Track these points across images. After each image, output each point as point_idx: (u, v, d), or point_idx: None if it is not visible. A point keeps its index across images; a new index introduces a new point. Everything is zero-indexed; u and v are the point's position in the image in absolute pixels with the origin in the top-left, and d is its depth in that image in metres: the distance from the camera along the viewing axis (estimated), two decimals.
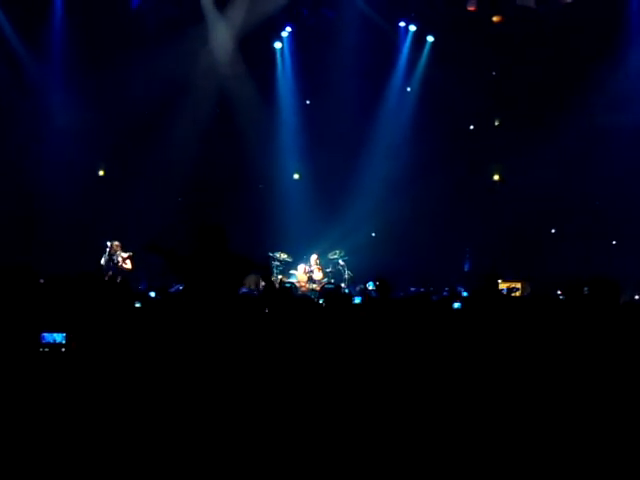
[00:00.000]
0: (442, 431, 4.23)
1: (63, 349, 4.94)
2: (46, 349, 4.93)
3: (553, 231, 17.65)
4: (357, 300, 7.63)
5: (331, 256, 16.30)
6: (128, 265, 13.42)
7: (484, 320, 5.47)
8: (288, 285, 14.14)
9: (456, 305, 6.51)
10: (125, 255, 13.37)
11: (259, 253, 15.99)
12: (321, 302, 8.04)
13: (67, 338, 4.97)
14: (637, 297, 13.54)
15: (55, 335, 5.02)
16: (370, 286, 11.58)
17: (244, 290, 12.61)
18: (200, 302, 5.46)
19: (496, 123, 18.37)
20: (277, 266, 16.04)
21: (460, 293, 7.90)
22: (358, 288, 13.77)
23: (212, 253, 5.52)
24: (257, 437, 4.06)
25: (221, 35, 16.35)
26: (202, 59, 16.26)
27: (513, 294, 12.57)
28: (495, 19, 16.31)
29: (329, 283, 14.35)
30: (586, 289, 5.91)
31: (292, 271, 15.84)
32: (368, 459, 3.96)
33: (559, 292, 12.52)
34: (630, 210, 15.60)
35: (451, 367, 4.84)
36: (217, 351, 5.12)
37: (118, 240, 13.42)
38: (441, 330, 5.29)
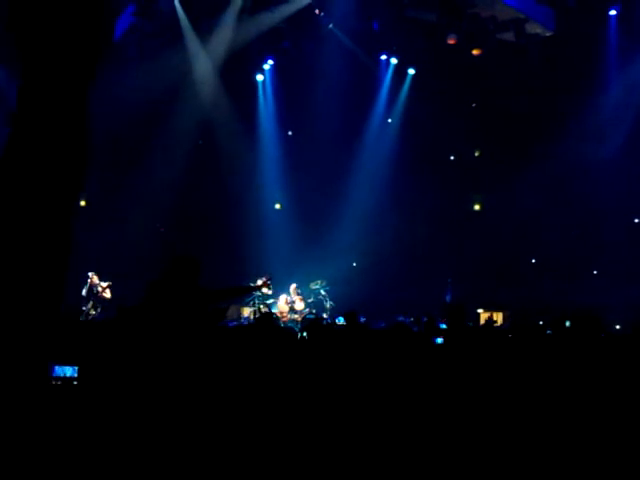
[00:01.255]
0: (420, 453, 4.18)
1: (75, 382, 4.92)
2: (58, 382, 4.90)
3: (534, 261, 17.74)
4: None
5: (313, 286, 16.22)
6: (107, 294, 13.54)
7: (460, 353, 5.44)
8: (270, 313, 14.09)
9: (438, 340, 6.47)
10: (104, 285, 13.47)
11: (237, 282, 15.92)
12: (304, 335, 7.98)
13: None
14: (618, 327, 13.59)
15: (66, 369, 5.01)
16: (339, 321, 11.50)
17: (232, 323, 12.56)
18: (163, 330, 5.38)
19: (476, 154, 18.56)
20: (258, 296, 15.93)
21: (438, 326, 7.85)
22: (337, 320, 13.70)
23: (181, 285, 5.45)
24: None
25: (203, 66, 16.42)
26: (184, 90, 16.29)
27: (494, 324, 12.59)
28: (475, 52, 16.51)
29: (310, 313, 14.28)
30: (568, 323, 5.93)
31: (273, 300, 15.74)
32: None
33: (541, 322, 12.56)
34: (610, 240, 15.71)
35: (426, 397, 4.80)
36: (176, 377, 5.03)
37: (96, 270, 13.55)
38: (420, 362, 5.25)
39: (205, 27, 15.82)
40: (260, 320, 6.40)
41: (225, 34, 15.80)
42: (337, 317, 11.80)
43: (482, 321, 14.20)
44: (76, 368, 5.09)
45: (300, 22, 16.14)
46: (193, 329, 5.49)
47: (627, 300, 14.13)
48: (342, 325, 10.20)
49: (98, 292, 13.45)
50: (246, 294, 10.73)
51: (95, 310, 13.21)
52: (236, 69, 16.75)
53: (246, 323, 14.82)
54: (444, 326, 7.85)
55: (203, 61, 16.37)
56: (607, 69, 16.01)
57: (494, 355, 5.45)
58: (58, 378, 4.99)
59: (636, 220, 16.71)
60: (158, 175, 16.37)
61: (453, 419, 4.57)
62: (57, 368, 5.02)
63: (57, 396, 4.82)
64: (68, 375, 5.05)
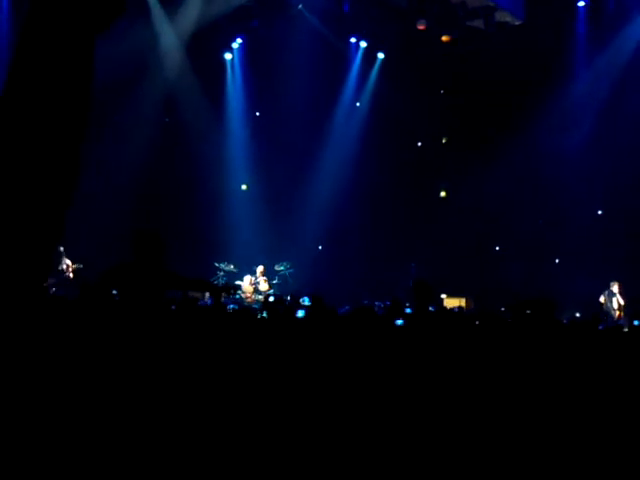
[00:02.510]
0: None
1: None
2: None
3: (497, 248, 17.91)
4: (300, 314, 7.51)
5: (277, 268, 16.22)
6: (70, 275, 13.20)
7: (426, 336, 5.46)
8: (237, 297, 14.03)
9: (399, 322, 6.48)
10: (73, 266, 13.08)
11: (204, 264, 15.84)
12: (264, 315, 7.95)
13: None
14: (578, 315, 13.84)
15: None
16: (305, 302, 11.47)
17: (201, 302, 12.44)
18: (129, 309, 5.29)
19: (443, 141, 18.63)
20: (223, 276, 15.88)
21: (404, 310, 7.87)
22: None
23: (147, 261, 5.35)
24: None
25: (169, 43, 16.11)
26: (150, 67, 15.98)
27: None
28: (444, 39, 16.52)
29: (273, 295, 14.27)
30: (528, 311, 6.01)
31: (238, 282, 15.68)
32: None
33: (502, 309, 12.71)
34: (573, 229, 15.91)
35: (394, 381, 4.80)
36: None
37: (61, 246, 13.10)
38: (384, 344, 5.25)
39: (172, 1, 15.51)
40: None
41: (193, 10, 15.51)
42: (302, 297, 11.76)
43: (447, 306, 14.29)
44: None
45: (269, 1, 15.98)
46: (156, 308, 5.42)
47: (586, 289, 14.39)
48: (306, 306, 10.17)
49: (64, 270, 13.07)
50: (207, 290, 10.53)
51: (56, 287, 12.84)
52: (204, 47, 16.50)
53: (210, 303, 14.75)
54: (409, 311, 7.87)
55: (169, 37, 16.05)
56: (575, 60, 16.19)
57: (455, 338, 5.48)
58: None
59: (599, 212, 16.93)
60: (122, 153, 16.06)
61: (416, 401, 4.58)
62: None
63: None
64: None
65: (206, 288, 7.12)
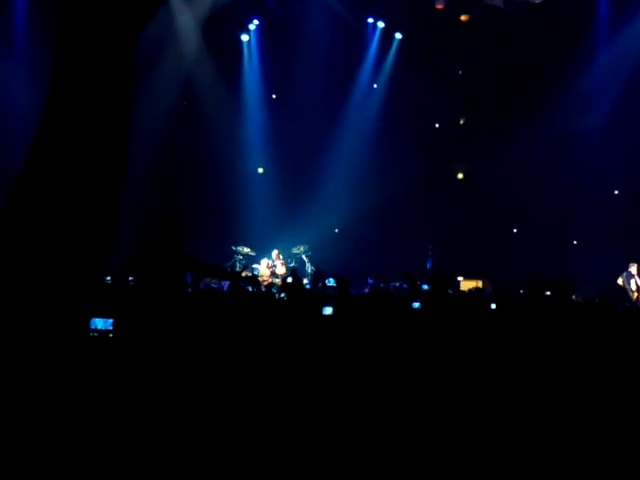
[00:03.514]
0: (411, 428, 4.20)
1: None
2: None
3: (515, 230, 17.81)
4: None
5: (295, 251, 16.26)
6: None
7: (443, 317, 5.47)
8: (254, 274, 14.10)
9: (416, 305, 6.48)
10: None
11: (221, 247, 15.91)
12: (282, 296, 7.98)
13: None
14: (597, 300, 13.76)
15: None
16: (330, 282, 11.54)
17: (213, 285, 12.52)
18: (151, 297, 5.31)
19: (461, 122, 18.48)
20: (240, 260, 15.94)
21: (420, 287, 7.87)
22: (320, 284, 13.74)
23: (168, 249, 5.37)
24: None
25: (187, 25, 16.09)
26: (166, 48, 15.97)
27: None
28: (463, 18, 16.35)
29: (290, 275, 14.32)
30: (548, 292, 6.00)
31: (255, 265, 15.74)
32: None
33: (520, 291, 12.66)
34: (591, 210, 15.77)
35: (413, 363, 4.82)
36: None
37: None
38: (402, 326, 5.27)
39: None
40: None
41: None
42: (328, 278, 11.81)
43: (464, 289, 14.22)
44: (111, 321, 5.23)
45: None
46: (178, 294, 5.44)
47: (604, 271, 14.28)
48: (333, 287, 10.22)
49: None
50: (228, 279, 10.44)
51: None
52: (220, 28, 16.46)
53: (227, 287, 14.83)
54: (426, 287, 7.87)
55: (186, 19, 16.03)
56: (596, 37, 15.92)
57: (474, 319, 5.48)
58: (95, 330, 5.20)
59: (616, 192, 16.78)
60: (139, 136, 16.09)
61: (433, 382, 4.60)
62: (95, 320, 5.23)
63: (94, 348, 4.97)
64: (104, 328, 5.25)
65: (232, 277, 7.05)
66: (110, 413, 3.93)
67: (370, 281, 13.67)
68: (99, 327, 5.35)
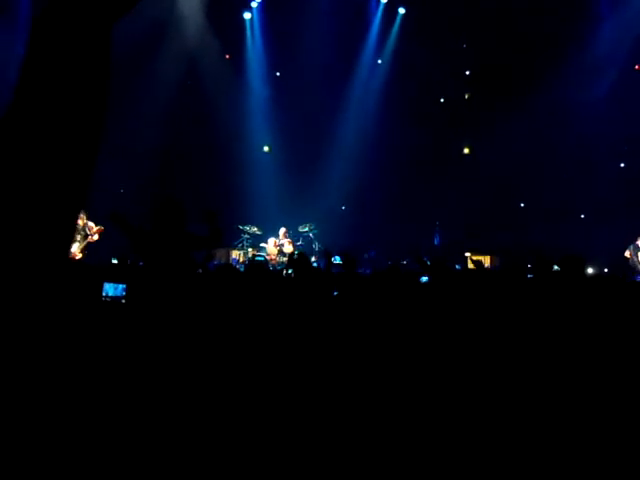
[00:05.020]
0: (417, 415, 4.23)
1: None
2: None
3: (522, 205, 17.77)
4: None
5: (301, 229, 16.27)
6: (95, 237, 13.15)
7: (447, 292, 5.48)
8: (260, 259, 14.12)
9: (424, 279, 6.51)
10: (95, 228, 13.03)
11: (227, 226, 15.93)
12: (290, 272, 8.00)
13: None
14: (606, 270, 13.75)
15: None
16: (336, 260, 11.56)
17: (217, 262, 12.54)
18: (158, 278, 5.34)
19: (466, 97, 18.38)
20: (247, 239, 15.98)
21: (426, 261, 7.88)
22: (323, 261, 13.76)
23: (168, 229, 5.39)
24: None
25: (189, 2, 16.01)
26: (169, 28, 15.91)
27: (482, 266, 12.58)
28: None
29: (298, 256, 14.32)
30: (556, 267, 5.99)
31: (263, 244, 15.77)
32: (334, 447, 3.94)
33: (529, 266, 12.63)
34: (597, 184, 15.73)
35: (422, 344, 4.84)
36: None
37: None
38: (410, 303, 5.29)
39: None
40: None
41: None
42: (334, 256, 11.84)
43: (470, 265, 14.21)
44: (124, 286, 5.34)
45: None
46: (184, 273, 5.46)
47: (612, 243, 14.26)
48: (339, 264, 10.23)
49: (87, 234, 13.00)
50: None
51: (82, 253, 12.83)
52: (223, 6, 16.37)
53: (235, 263, 14.88)
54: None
55: None
56: (599, 12, 15.79)
57: (482, 294, 5.49)
58: (107, 296, 5.33)
59: (622, 165, 16.72)
60: (144, 116, 16.08)
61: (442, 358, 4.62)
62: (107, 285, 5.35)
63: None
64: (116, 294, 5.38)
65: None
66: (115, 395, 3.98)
67: (370, 254, 13.52)
68: (110, 294, 5.47)
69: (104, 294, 5.46)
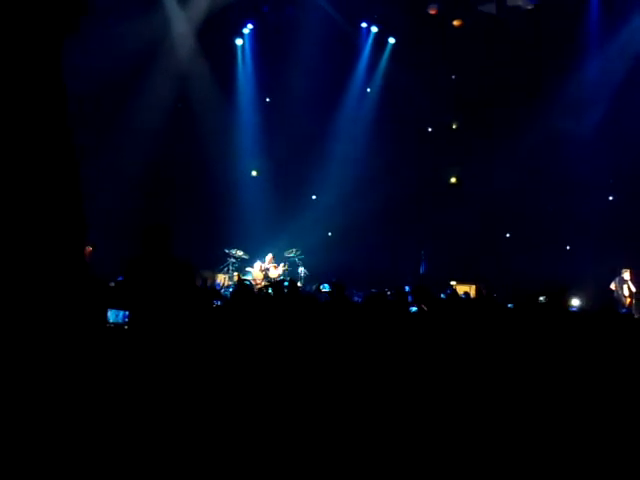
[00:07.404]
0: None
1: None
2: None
3: (508, 235, 17.83)
4: None
5: (287, 254, 16.28)
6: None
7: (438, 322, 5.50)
8: (247, 283, 14.07)
9: (413, 309, 6.53)
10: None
11: (214, 250, 15.92)
12: (269, 291, 8.04)
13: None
14: (590, 303, 13.82)
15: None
16: (325, 288, 11.55)
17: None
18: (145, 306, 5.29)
19: (454, 126, 18.53)
20: (233, 263, 15.96)
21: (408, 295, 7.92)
22: (313, 287, 13.75)
23: (154, 254, 5.34)
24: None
25: (181, 28, 16.10)
26: (161, 53, 15.96)
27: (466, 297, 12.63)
28: (456, 23, 16.43)
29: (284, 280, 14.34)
30: (542, 298, 6.02)
31: (248, 268, 15.76)
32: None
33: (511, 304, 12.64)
34: (584, 216, 15.83)
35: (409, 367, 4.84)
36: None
37: None
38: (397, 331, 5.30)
39: None
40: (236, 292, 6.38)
41: None
42: (322, 284, 11.83)
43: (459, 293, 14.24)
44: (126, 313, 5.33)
45: None
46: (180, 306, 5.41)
47: (597, 276, 14.35)
48: (327, 292, 10.24)
49: None
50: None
51: None
52: (215, 32, 16.47)
53: (219, 288, 14.82)
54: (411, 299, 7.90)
55: (181, 23, 16.04)
56: (587, 44, 16.01)
57: (464, 325, 5.51)
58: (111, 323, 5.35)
59: (610, 198, 16.84)
60: (134, 138, 16.06)
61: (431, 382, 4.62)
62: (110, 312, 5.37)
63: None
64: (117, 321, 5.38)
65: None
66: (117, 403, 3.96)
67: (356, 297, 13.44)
68: (112, 320, 5.47)
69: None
